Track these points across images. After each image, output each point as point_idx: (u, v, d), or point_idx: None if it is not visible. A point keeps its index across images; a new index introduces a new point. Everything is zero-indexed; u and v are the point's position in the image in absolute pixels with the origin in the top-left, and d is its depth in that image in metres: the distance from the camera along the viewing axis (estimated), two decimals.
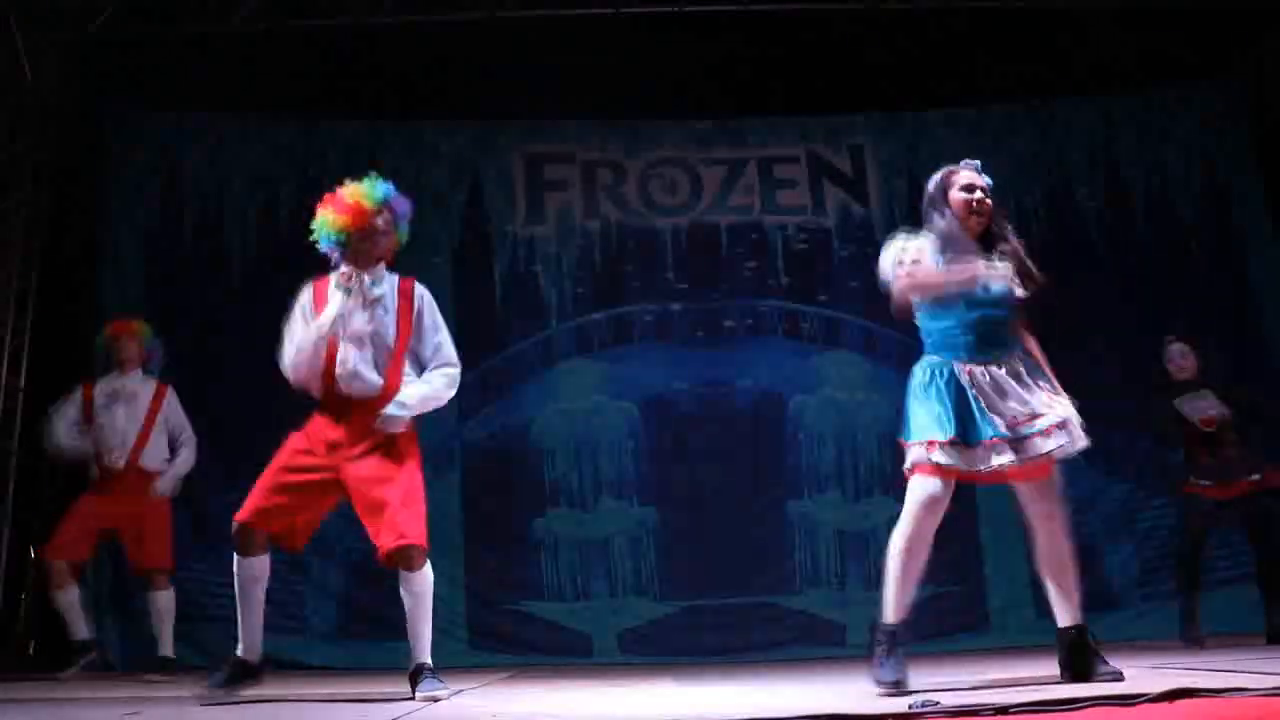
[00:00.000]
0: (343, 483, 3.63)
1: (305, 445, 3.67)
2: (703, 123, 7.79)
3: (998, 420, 3.22)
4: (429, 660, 3.56)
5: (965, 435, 3.20)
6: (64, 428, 5.59)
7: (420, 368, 3.79)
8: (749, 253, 7.51)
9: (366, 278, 3.76)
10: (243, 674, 3.60)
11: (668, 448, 7.19)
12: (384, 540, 3.54)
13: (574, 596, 6.94)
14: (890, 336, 6.92)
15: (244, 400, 6.67)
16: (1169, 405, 5.59)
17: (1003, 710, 2.32)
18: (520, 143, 7.70)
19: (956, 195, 3.50)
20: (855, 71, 7.46)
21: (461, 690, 3.86)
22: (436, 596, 3.63)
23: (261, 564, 3.63)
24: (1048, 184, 7.62)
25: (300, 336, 3.73)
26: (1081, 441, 3.26)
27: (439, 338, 3.81)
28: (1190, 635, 5.38)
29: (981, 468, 3.21)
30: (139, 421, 5.60)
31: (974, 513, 7.01)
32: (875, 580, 7.09)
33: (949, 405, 3.24)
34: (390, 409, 3.61)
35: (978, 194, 3.48)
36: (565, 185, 7.67)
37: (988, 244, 3.51)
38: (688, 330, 7.37)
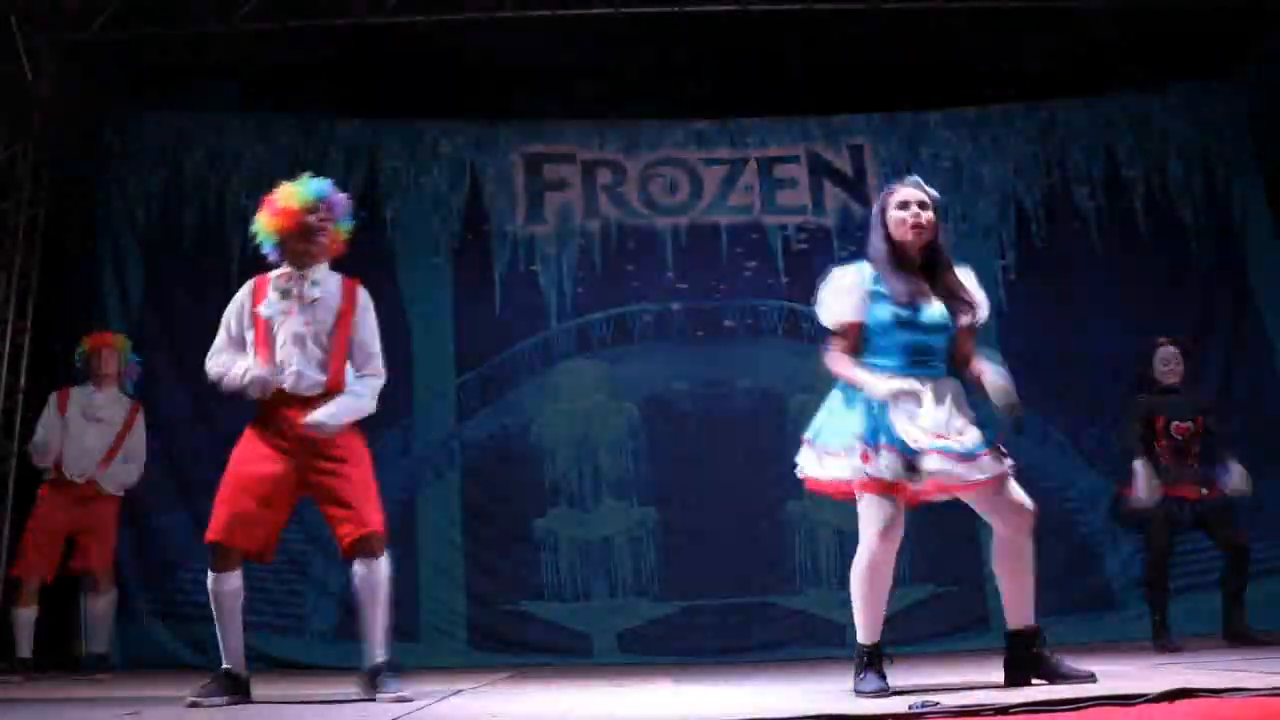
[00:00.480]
0: (302, 479, 3.67)
1: (259, 449, 3.67)
2: (703, 123, 7.79)
3: (930, 433, 3.18)
4: (389, 657, 3.62)
5: (903, 446, 3.16)
6: (50, 437, 5.66)
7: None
8: (749, 252, 7.51)
9: (305, 278, 3.77)
10: (234, 686, 3.63)
11: (668, 448, 7.18)
12: (349, 529, 3.62)
13: (574, 596, 6.94)
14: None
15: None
16: (1145, 405, 5.61)
17: (1003, 710, 2.33)
18: (520, 143, 7.70)
19: (894, 214, 3.41)
20: (855, 71, 7.46)
21: (461, 690, 3.86)
22: (437, 597, 3.68)
23: (237, 578, 3.64)
24: (1048, 184, 7.62)
25: (224, 358, 3.78)
26: (1007, 462, 3.28)
27: (373, 346, 3.83)
28: (1163, 642, 5.37)
29: (917, 475, 3.19)
30: (108, 442, 5.65)
31: (974, 513, 7.01)
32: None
33: (878, 416, 3.20)
34: (319, 417, 3.63)
35: (913, 209, 3.37)
36: (565, 185, 7.67)
37: (931, 266, 3.41)
38: (688, 330, 7.37)
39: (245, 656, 3.70)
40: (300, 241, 3.77)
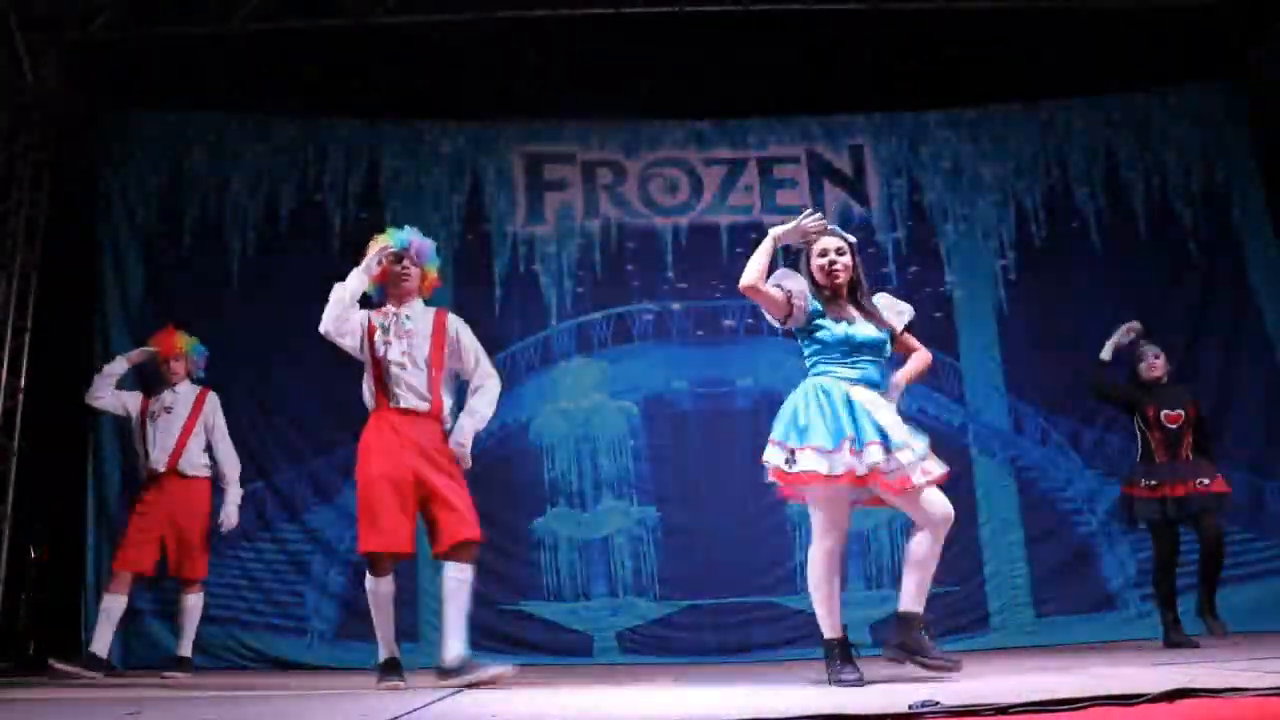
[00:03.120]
0: (420, 481, 4.29)
1: (382, 462, 4.32)
2: (703, 123, 7.79)
3: (877, 432, 3.54)
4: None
5: (855, 442, 3.52)
6: (108, 386, 5.84)
7: (461, 383, 4.52)
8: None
9: (401, 313, 4.44)
10: (395, 668, 4.23)
11: (668, 447, 7.19)
12: (456, 532, 4.29)
13: (574, 596, 6.94)
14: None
15: (244, 399, 6.69)
16: (1134, 396, 5.68)
17: (1003, 710, 2.33)
18: (520, 143, 7.70)
19: (815, 263, 3.95)
20: (855, 71, 7.46)
21: (461, 690, 3.87)
22: (437, 597, 3.74)
23: (391, 581, 4.33)
24: (1048, 184, 7.62)
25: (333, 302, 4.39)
26: (940, 469, 3.61)
27: (474, 361, 4.51)
28: (1177, 640, 5.37)
29: (861, 470, 3.49)
30: (180, 427, 5.79)
31: (974, 513, 7.02)
32: (875, 580, 7.16)
33: (833, 417, 3.57)
34: (457, 450, 4.43)
35: (830, 257, 3.91)
36: (565, 185, 7.67)
37: (854, 294, 3.92)
38: (688, 329, 7.37)
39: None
40: (393, 286, 4.48)
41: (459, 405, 4.54)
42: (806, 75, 7.45)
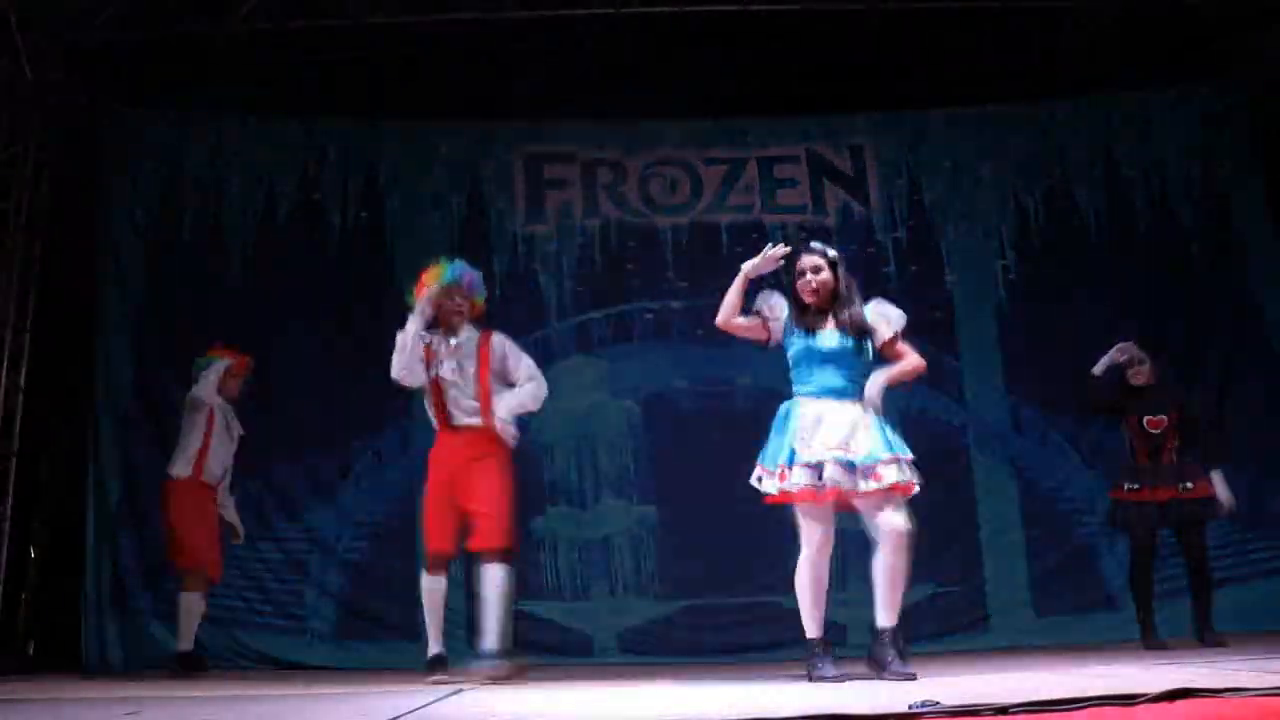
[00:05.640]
0: (461, 492, 4.67)
1: (437, 473, 4.77)
2: (703, 123, 7.79)
3: (833, 448, 3.77)
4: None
5: (787, 461, 3.81)
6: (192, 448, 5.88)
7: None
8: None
9: (451, 339, 4.84)
10: (441, 664, 4.61)
11: (668, 446, 7.18)
12: (480, 539, 4.62)
13: (574, 596, 6.94)
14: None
15: (244, 399, 6.68)
16: (1117, 404, 5.71)
17: (1003, 710, 2.32)
18: (520, 143, 7.70)
19: (797, 284, 4.13)
20: (855, 71, 7.45)
21: (461, 690, 3.87)
22: None
23: (439, 580, 4.75)
24: (1048, 184, 7.62)
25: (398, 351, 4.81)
26: (915, 484, 3.87)
27: (522, 364, 4.88)
28: (1150, 642, 5.40)
29: (791, 488, 3.79)
30: (232, 449, 6.02)
31: (974, 513, 7.02)
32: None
33: (791, 434, 3.84)
34: (499, 427, 4.70)
35: (807, 277, 4.08)
36: (565, 184, 7.67)
37: (835, 306, 4.07)
38: (688, 329, 7.35)
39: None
40: (443, 316, 4.87)
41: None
42: (806, 75, 7.45)
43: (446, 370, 4.77)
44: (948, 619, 6.78)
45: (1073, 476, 7.08)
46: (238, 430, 6.01)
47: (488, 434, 4.71)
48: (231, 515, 6.03)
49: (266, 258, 7.26)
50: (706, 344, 7.33)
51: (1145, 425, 5.60)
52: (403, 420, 7.04)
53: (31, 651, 6.68)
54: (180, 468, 5.83)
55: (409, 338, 4.75)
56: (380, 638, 6.68)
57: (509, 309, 7.38)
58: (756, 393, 7.21)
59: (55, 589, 6.75)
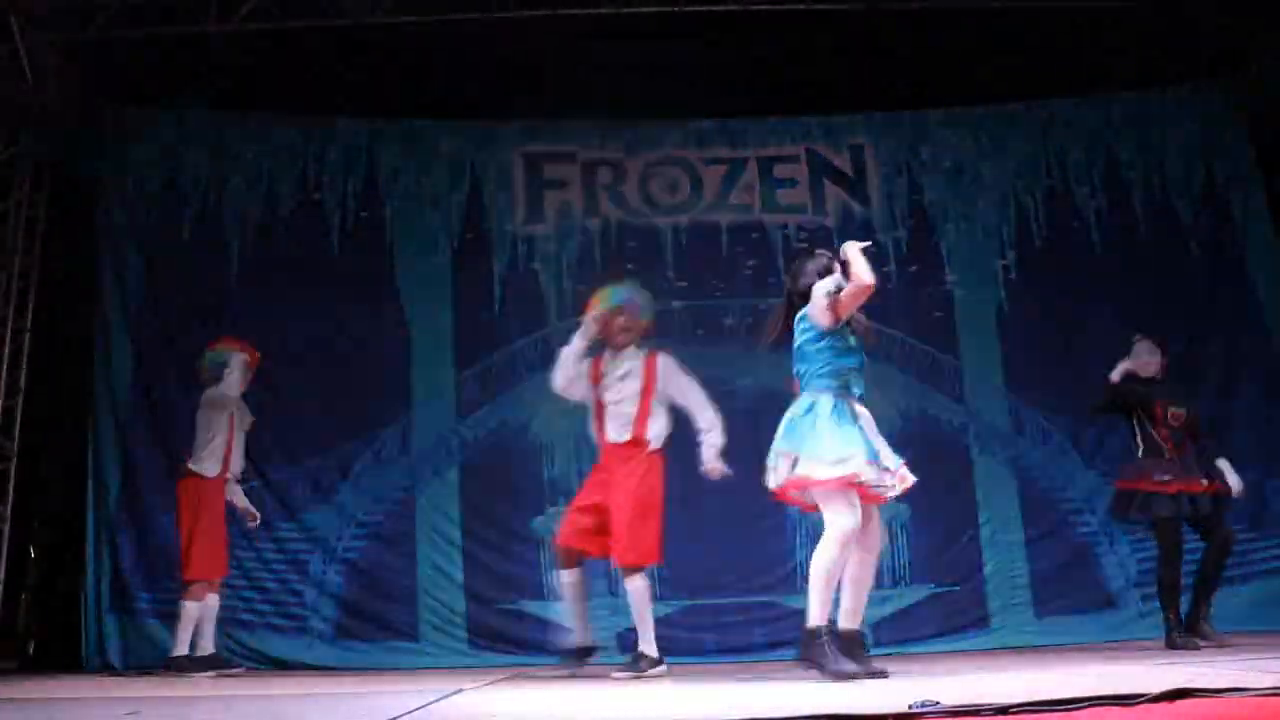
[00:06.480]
0: (604, 508, 4.94)
1: (593, 480, 5.10)
2: (703, 123, 7.79)
3: (881, 449, 3.88)
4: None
5: (874, 458, 3.83)
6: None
7: (673, 411, 5.16)
8: (749, 251, 7.50)
9: (614, 360, 5.08)
10: (586, 654, 4.99)
11: (667, 446, 7.16)
12: (617, 555, 4.98)
13: None
14: (891, 336, 6.92)
15: (244, 399, 6.68)
16: (1139, 394, 5.64)
17: (1003, 710, 2.32)
18: (520, 143, 7.70)
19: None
20: (855, 71, 7.45)
21: (461, 690, 3.87)
22: (436, 596, 3.76)
23: (573, 573, 5.01)
24: (1048, 184, 7.62)
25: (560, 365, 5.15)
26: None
27: (692, 401, 5.12)
28: (1181, 641, 5.33)
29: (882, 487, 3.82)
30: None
31: (974, 513, 7.02)
32: (876, 580, 7.09)
33: (860, 431, 3.86)
34: (713, 467, 5.18)
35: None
36: (565, 184, 7.67)
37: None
38: (688, 329, 7.35)
39: None
40: (609, 336, 5.10)
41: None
42: (806, 75, 7.45)
43: (610, 388, 5.05)
44: (948, 619, 6.78)
45: (1073, 476, 7.07)
46: (249, 421, 6.06)
47: (639, 451, 4.99)
48: (242, 500, 6.05)
49: (266, 258, 7.26)
50: (706, 344, 7.34)
51: (1170, 418, 5.53)
52: (402, 420, 7.05)
53: (31, 651, 6.68)
54: (209, 465, 5.84)
55: (572, 353, 5.04)
56: (380, 638, 6.69)
57: (509, 309, 7.39)
58: (757, 393, 7.22)
59: (55, 589, 6.74)
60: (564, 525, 5.06)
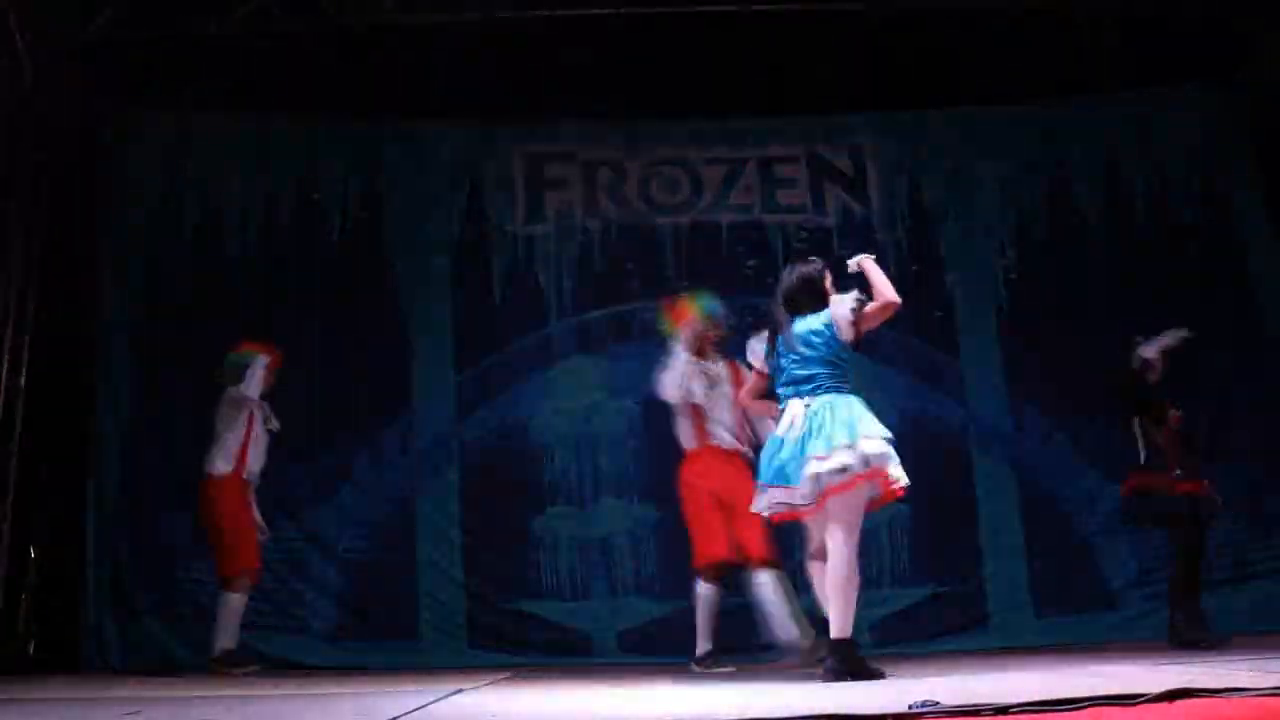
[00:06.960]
0: (732, 503, 5.07)
1: (709, 484, 5.33)
2: (703, 123, 7.79)
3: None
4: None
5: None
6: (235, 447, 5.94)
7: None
8: (749, 251, 7.50)
9: (707, 364, 5.40)
10: (710, 658, 5.33)
11: (667, 446, 7.14)
12: (753, 552, 5.19)
13: (574, 596, 6.93)
14: (891, 337, 6.92)
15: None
16: (1154, 404, 5.68)
17: (1003, 710, 2.32)
18: (520, 143, 7.69)
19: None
20: (855, 71, 7.45)
21: (461, 690, 3.87)
22: (436, 596, 3.74)
23: (708, 586, 5.43)
24: (1048, 184, 7.62)
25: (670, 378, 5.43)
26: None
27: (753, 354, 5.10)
28: (1193, 638, 5.33)
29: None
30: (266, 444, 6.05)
31: (974, 513, 7.02)
32: (876, 580, 7.13)
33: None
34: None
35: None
36: (565, 184, 7.67)
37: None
38: None
39: None
40: (700, 344, 5.45)
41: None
42: (806, 75, 7.45)
43: (702, 393, 5.36)
44: (948, 619, 6.78)
45: (1073, 476, 7.07)
46: (275, 425, 6.07)
47: (745, 451, 5.24)
48: (256, 514, 6.04)
49: (266, 258, 7.26)
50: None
51: (1171, 420, 5.59)
52: (402, 419, 7.05)
53: (31, 651, 6.66)
54: (222, 465, 5.86)
55: (683, 363, 5.36)
56: (380, 638, 6.69)
57: (509, 309, 7.39)
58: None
59: (55, 589, 6.73)
60: (709, 540, 5.36)
